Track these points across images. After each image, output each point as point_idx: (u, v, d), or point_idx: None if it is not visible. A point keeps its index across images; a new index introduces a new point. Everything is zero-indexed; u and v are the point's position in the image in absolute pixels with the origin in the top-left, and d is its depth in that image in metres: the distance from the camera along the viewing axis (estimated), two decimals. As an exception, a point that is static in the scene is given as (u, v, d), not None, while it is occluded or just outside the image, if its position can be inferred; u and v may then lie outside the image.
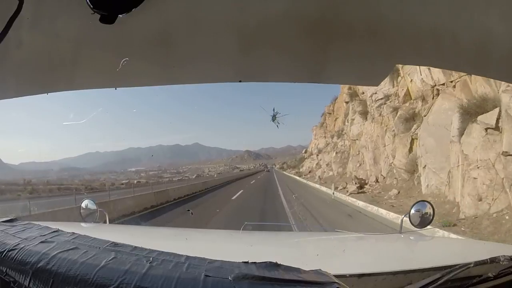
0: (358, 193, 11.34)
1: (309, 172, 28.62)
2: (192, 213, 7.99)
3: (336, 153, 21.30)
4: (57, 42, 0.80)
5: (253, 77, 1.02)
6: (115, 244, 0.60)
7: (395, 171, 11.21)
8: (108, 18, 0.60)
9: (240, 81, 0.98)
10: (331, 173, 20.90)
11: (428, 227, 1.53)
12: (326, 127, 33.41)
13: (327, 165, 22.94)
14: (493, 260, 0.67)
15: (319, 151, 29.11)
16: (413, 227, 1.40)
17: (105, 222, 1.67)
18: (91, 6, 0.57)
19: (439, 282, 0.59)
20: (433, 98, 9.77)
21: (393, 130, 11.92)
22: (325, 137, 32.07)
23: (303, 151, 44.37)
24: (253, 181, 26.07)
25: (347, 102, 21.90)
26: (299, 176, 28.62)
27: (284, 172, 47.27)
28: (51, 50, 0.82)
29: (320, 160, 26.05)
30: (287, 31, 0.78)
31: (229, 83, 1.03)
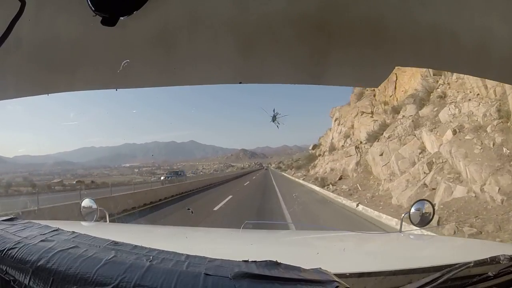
0: None
1: (339, 178, 14.43)
2: (192, 211, 7.99)
3: (456, 131, 7.96)
4: (58, 44, 0.80)
5: (253, 79, 1.03)
6: (115, 243, 0.60)
7: None
8: (109, 21, 0.61)
9: (240, 83, 0.99)
10: (460, 190, 6.34)
11: (428, 226, 1.51)
12: (375, 96, 17.50)
13: (428, 166, 8.23)
14: (493, 259, 0.67)
15: (368, 140, 14.37)
16: (413, 226, 1.41)
17: (105, 220, 1.68)
18: (93, 8, 0.57)
19: (439, 281, 0.60)
20: None
21: None
22: (372, 114, 16.54)
23: (310, 147, 32.27)
24: (229, 198, 10.71)
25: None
26: (322, 187, 13.99)
27: (284, 174, 33.19)
28: (52, 51, 0.83)
29: (381, 155, 11.36)
30: (287, 33, 0.78)
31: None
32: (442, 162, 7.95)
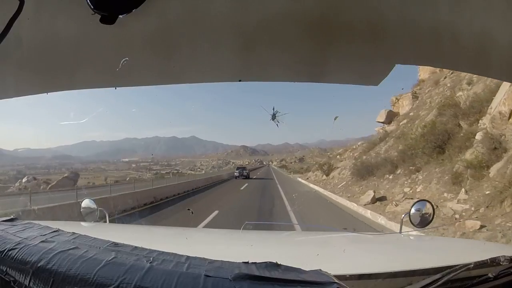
0: None
1: None
2: (192, 212, 8.01)
3: None
4: (57, 42, 0.80)
5: (253, 77, 1.02)
6: (115, 244, 0.60)
7: None
8: (108, 19, 0.60)
9: (240, 81, 0.99)
10: None
11: (428, 227, 1.52)
12: None
13: None
14: (493, 261, 0.67)
15: None
16: (413, 227, 1.41)
17: (105, 221, 1.68)
18: (92, 6, 0.57)
19: (439, 283, 0.60)
20: None
21: None
22: None
23: (381, 119, 17.43)
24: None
25: None
26: None
27: (310, 185, 16.48)
28: (51, 50, 0.82)
29: None
30: (287, 31, 0.78)
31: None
32: None
